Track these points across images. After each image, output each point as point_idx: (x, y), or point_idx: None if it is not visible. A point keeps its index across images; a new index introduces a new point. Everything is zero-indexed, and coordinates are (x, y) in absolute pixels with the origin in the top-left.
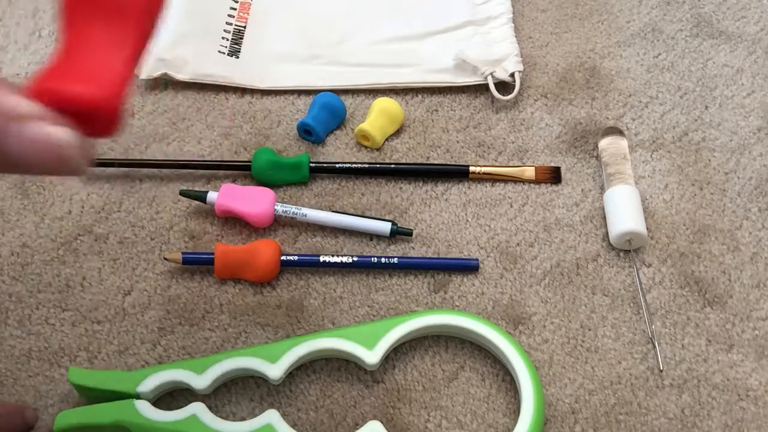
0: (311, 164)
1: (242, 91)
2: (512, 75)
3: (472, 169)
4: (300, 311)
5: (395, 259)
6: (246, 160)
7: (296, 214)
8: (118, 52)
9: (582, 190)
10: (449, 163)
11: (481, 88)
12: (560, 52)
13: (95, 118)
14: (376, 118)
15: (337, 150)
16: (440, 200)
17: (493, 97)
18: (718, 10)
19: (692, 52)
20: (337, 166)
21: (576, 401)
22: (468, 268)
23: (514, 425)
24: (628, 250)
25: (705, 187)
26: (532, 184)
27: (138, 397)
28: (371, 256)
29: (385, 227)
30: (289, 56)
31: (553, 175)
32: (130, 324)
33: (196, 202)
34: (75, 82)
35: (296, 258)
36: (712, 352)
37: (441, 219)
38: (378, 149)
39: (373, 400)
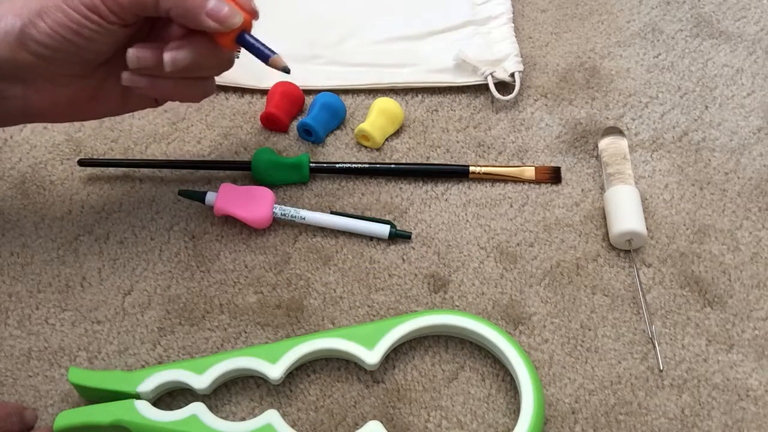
0: (311, 164)
1: (242, 91)
2: (512, 75)
3: (472, 169)
4: (300, 311)
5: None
6: (246, 160)
7: (295, 216)
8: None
9: (582, 190)
10: (449, 163)
11: (481, 88)
12: (560, 52)
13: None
14: (376, 118)
15: (337, 150)
16: (440, 200)
17: (493, 97)
18: (718, 10)
19: (692, 52)
20: (337, 166)
21: (576, 401)
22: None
23: (514, 425)
24: (628, 250)
25: (705, 187)
26: (532, 184)
27: (138, 397)
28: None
29: (384, 230)
30: (289, 56)
31: (553, 175)
32: (130, 324)
33: (196, 202)
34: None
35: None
36: (712, 352)
37: (441, 219)
38: (378, 149)
39: (373, 400)
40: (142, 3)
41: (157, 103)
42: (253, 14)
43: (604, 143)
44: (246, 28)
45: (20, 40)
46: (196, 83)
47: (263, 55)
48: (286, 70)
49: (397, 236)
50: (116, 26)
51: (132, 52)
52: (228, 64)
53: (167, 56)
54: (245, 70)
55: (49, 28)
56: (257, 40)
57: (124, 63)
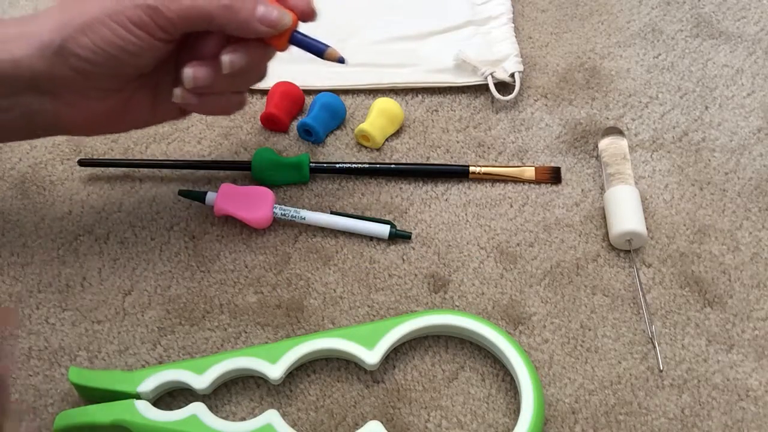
0: (311, 164)
1: None
2: (512, 75)
3: (472, 169)
4: (300, 311)
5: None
6: (246, 160)
7: (295, 216)
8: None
9: (582, 190)
10: (449, 163)
11: (481, 88)
12: (560, 52)
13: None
14: (376, 118)
15: (337, 150)
16: (440, 200)
17: (493, 97)
18: (718, 10)
19: (692, 52)
20: (337, 166)
21: (576, 401)
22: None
23: (514, 425)
24: (628, 250)
25: (705, 187)
26: (532, 184)
27: (138, 397)
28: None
29: (383, 230)
30: (289, 56)
31: (553, 175)
32: (130, 324)
33: (196, 202)
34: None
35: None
36: (712, 352)
37: (441, 219)
38: (378, 149)
39: (373, 400)
40: (195, 19)
41: (182, 114)
42: (308, 14)
43: (604, 143)
44: (295, 27)
45: (60, 55)
46: (235, 97)
47: (318, 49)
48: (342, 61)
49: (397, 236)
50: (162, 42)
51: (189, 72)
52: (263, 75)
53: (226, 58)
54: None
55: (92, 44)
56: (308, 36)
57: (159, 76)
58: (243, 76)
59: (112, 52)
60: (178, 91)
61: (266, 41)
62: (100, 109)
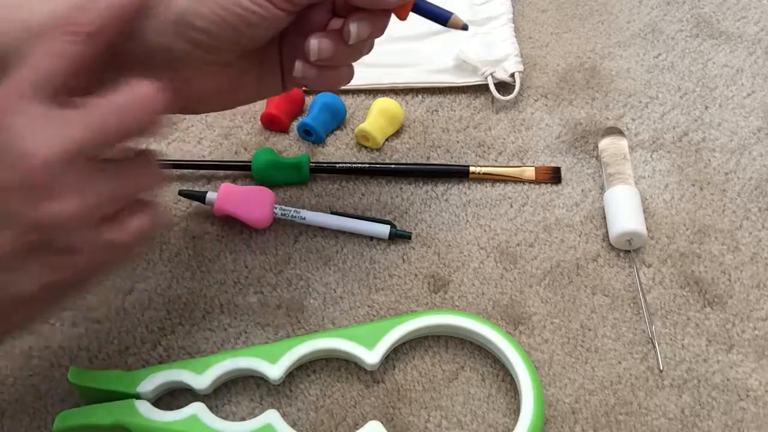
0: (311, 164)
1: None
2: (512, 75)
3: (472, 169)
4: (300, 311)
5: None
6: (246, 160)
7: (295, 216)
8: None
9: (582, 190)
10: (449, 163)
11: (481, 89)
12: (560, 52)
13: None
14: (376, 118)
15: (337, 150)
16: (440, 200)
17: (493, 97)
18: (718, 10)
19: (692, 52)
20: (337, 166)
21: (576, 401)
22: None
23: (514, 425)
24: (628, 250)
25: (705, 187)
26: (532, 184)
27: (138, 397)
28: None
29: (383, 230)
30: None
31: (553, 175)
32: (131, 324)
33: (196, 202)
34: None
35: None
36: (712, 352)
37: (441, 219)
38: (378, 149)
39: (373, 400)
40: None
41: (284, 88)
42: None
43: (604, 143)
44: None
45: (178, 25)
46: (346, 70)
47: (442, 16)
48: (465, 28)
49: (397, 236)
50: (284, 13)
51: (314, 43)
52: (371, 48)
53: (353, 28)
54: None
55: (213, 14)
56: (431, 4)
57: (264, 50)
58: (359, 47)
59: (233, 22)
60: (299, 65)
61: (389, 10)
62: (212, 86)
